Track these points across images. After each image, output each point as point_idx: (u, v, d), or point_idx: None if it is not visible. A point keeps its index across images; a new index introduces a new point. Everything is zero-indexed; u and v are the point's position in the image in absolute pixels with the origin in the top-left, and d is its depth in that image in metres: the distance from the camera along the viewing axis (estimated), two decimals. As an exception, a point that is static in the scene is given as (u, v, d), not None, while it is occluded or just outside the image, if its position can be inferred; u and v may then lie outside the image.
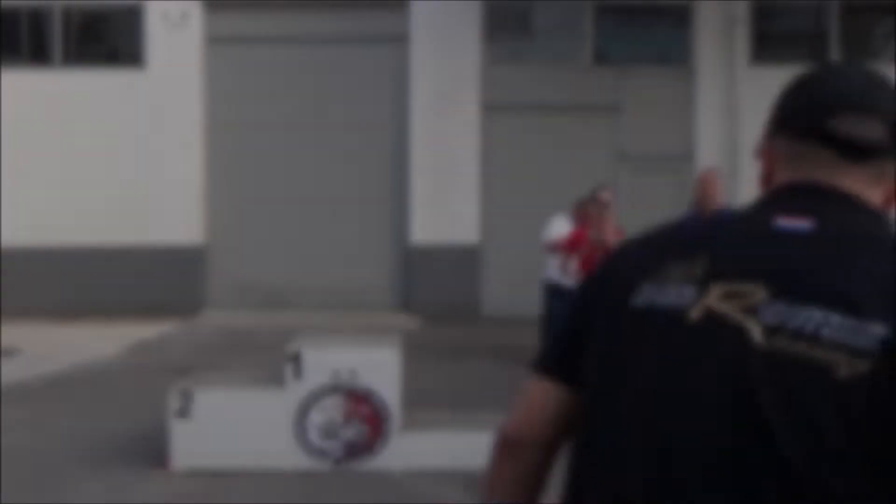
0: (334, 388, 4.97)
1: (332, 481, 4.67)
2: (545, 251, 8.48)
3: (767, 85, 10.78)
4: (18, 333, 10.21)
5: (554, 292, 8.36)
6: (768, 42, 12.32)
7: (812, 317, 1.00)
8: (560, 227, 8.38)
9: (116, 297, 11.70)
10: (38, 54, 12.44)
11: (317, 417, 4.95)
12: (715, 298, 1.06)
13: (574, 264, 6.57)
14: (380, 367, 5.03)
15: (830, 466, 0.95)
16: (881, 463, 0.94)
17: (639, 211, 11.98)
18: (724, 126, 11.84)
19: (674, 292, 1.09)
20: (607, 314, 1.16)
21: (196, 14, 11.85)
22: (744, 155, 11.75)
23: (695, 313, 1.06)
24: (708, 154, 11.77)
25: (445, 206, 11.85)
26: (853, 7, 12.01)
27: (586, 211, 8.36)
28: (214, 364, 8.18)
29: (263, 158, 11.83)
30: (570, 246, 6.55)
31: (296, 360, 4.96)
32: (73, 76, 12.03)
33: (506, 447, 1.30)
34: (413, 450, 5.02)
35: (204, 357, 8.87)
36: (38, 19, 12.27)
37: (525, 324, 10.61)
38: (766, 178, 1.24)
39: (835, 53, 11.91)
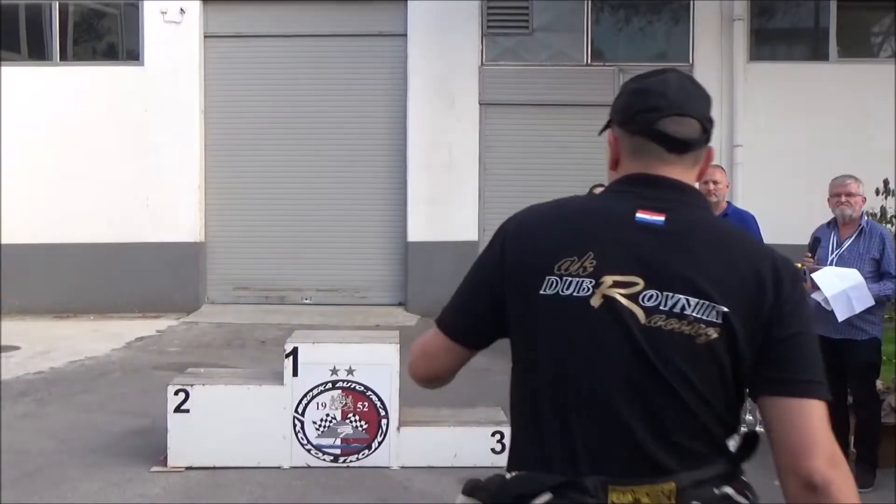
0: (332, 385, 4.98)
1: (329, 478, 4.67)
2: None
3: (766, 82, 10.90)
4: (16, 330, 10.22)
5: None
6: (767, 39, 12.33)
7: (678, 301, 1.50)
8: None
9: (114, 293, 11.69)
10: (35, 51, 12.42)
11: (314, 414, 4.96)
12: (607, 288, 1.52)
13: None
14: (377, 363, 5.03)
15: (694, 393, 1.51)
16: (721, 389, 1.54)
17: (637, 208, 12.03)
18: (722, 123, 11.84)
19: (575, 284, 1.54)
20: (524, 300, 1.60)
21: (194, 10, 11.82)
22: (742, 151, 11.76)
23: (595, 301, 1.53)
24: (706, 151, 11.76)
25: (443, 203, 11.85)
26: (851, 4, 12.01)
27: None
28: (212, 361, 8.19)
29: (262, 155, 11.82)
30: None
31: (294, 356, 4.96)
32: (70, 73, 12.01)
33: (420, 383, 1.90)
34: (411, 446, 5.04)
35: (202, 354, 8.87)
36: (35, 16, 12.24)
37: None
38: (614, 163, 1.74)
39: (833, 50, 11.92)
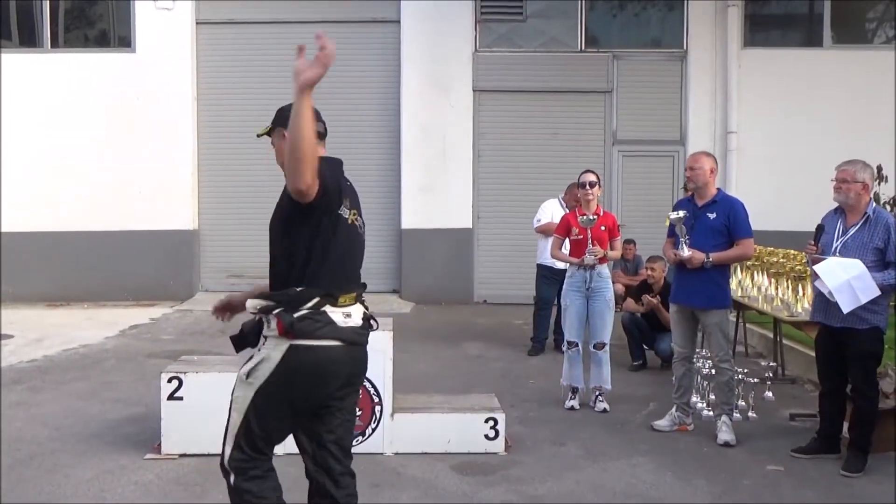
0: (326, 372, 4.98)
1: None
2: (537, 235, 8.49)
3: (760, 68, 10.89)
4: (10, 318, 10.19)
5: (545, 275, 8.38)
6: (761, 25, 12.30)
7: (361, 216, 3.20)
8: (550, 211, 8.39)
9: (108, 281, 11.66)
10: (27, 38, 12.32)
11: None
12: (353, 215, 3.10)
13: (565, 247, 6.57)
14: (371, 350, 5.01)
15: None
16: None
17: (631, 194, 12.03)
18: (716, 109, 11.83)
19: (347, 210, 3.04)
20: (336, 211, 2.99)
21: (186, -3, 11.76)
22: (736, 138, 11.76)
23: (351, 219, 3.07)
24: (700, 137, 11.77)
25: (438, 191, 11.84)
26: (846, -10, 12.00)
27: (576, 194, 8.38)
28: (206, 348, 8.18)
29: (255, 142, 11.71)
30: (560, 230, 6.56)
31: (287, 344, 4.96)
32: (62, 60, 11.93)
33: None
34: (404, 433, 5.05)
35: (195, 342, 8.87)
36: (26, 3, 12.13)
37: (516, 307, 10.65)
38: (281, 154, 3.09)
39: (827, 36, 11.90)
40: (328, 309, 2.94)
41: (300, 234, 2.91)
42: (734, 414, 5.77)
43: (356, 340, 3.08)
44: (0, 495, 4.22)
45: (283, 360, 2.90)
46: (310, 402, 3.03)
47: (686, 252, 5.37)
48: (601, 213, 6.33)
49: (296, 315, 2.88)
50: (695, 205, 5.50)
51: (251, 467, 3.08)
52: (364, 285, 3.18)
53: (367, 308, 3.21)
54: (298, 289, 2.91)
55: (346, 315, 3.01)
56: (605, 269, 6.28)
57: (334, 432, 3.13)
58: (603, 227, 6.28)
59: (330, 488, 3.11)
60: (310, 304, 2.90)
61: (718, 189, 5.53)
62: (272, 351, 2.92)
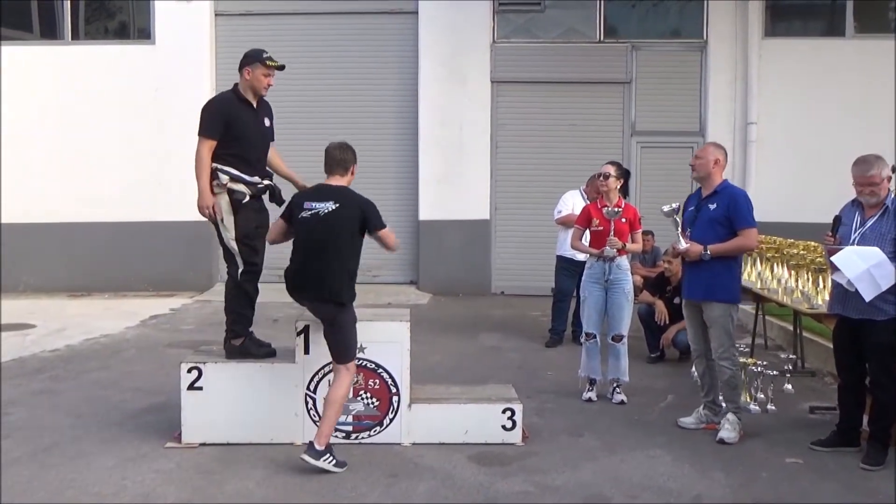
0: (344, 363, 5.00)
1: (341, 454, 4.70)
2: (557, 226, 8.46)
3: (781, 58, 10.77)
4: (32, 309, 10.32)
5: (564, 266, 8.36)
6: (782, 15, 12.17)
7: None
8: (572, 203, 8.36)
9: (128, 272, 11.77)
10: (47, 30, 12.42)
11: (326, 391, 4.99)
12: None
13: (587, 238, 6.53)
14: (389, 341, 5.05)
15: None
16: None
17: (649, 185, 11.96)
18: (736, 100, 11.73)
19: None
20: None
21: (205, -11, 11.80)
22: (756, 129, 11.65)
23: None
24: (719, 129, 11.68)
25: (455, 182, 11.83)
26: (868, -21, 11.84)
27: (596, 186, 8.33)
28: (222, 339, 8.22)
29: (273, 134, 11.80)
30: (581, 221, 6.53)
31: (305, 334, 4.99)
32: (82, 52, 12.01)
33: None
34: (422, 423, 5.06)
35: (215, 332, 8.90)
36: (47, -5, 12.24)
37: (534, 298, 10.64)
38: None
39: (849, 26, 11.76)
40: None
41: None
42: (751, 406, 5.73)
43: None
44: (0, 495, 4.27)
45: None
46: None
47: (683, 244, 5.32)
48: (622, 206, 6.30)
49: None
50: (699, 196, 5.47)
51: None
52: None
53: None
54: None
55: None
56: (624, 261, 6.25)
57: None
58: (624, 220, 6.25)
59: None
60: None
61: (724, 180, 5.44)
62: None
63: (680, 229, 5.39)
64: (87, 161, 11.85)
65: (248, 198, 5.14)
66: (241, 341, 5.22)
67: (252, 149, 5.22)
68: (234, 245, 5.20)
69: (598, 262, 6.24)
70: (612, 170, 6.33)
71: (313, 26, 11.98)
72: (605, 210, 6.21)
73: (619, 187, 6.34)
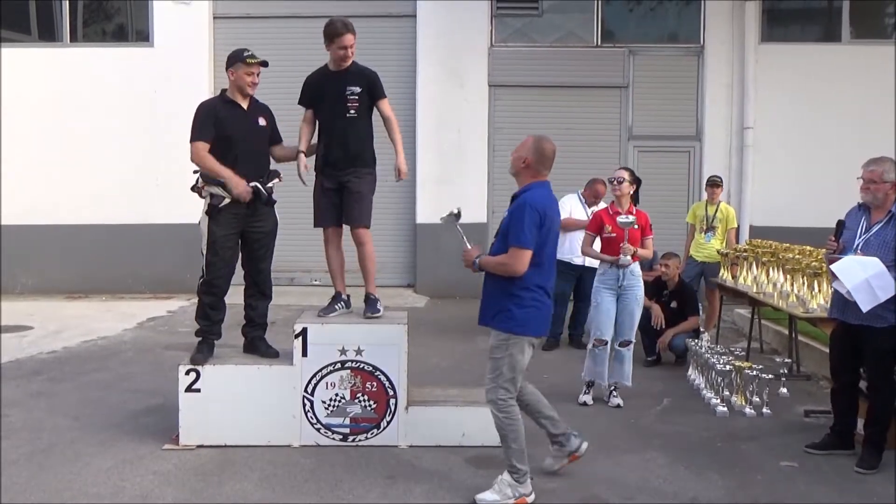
0: (341, 365, 5.02)
1: (339, 456, 4.72)
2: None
3: (777, 63, 10.81)
4: (29, 310, 10.32)
5: (561, 270, 8.37)
6: (779, 20, 12.22)
7: None
8: (569, 207, 8.37)
9: (126, 274, 11.77)
10: (45, 32, 12.43)
11: (324, 393, 5.01)
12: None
13: (596, 244, 6.49)
14: (386, 344, 5.07)
15: None
16: None
17: (646, 190, 11.92)
18: (732, 105, 11.77)
19: None
20: None
21: (203, -9, 11.82)
22: (752, 133, 11.69)
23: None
24: (716, 133, 11.72)
25: (452, 185, 11.85)
26: (865, -15, 11.90)
27: (596, 190, 8.35)
28: (222, 341, 8.23)
29: (271, 137, 11.82)
30: (592, 227, 6.48)
31: (303, 337, 5.00)
32: (80, 54, 12.02)
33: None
34: (419, 425, 5.08)
35: (212, 334, 8.92)
36: (45, -3, 12.25)
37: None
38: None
39: (846, 31, 11.81)
40: None
41: None
42: (746, 410, 5.72)
43: None
44: (0, 494, 4.29)
45: None
46: None
47: (468, 246, 4.94)
48: (633, 212, 6.31)
49: None
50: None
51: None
52: None
53: None
54: None
55: None
56: (636, 267, 6.23)
57: None
58: (636, 226, 6.25)
59: None
60: None
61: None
62: None
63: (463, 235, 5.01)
64: (85, 163, 11.85)
65: (226, 201, 5.10)
66: (198, 343, 5.22)
67: (243, 149, 5.21)
68: (203, 252, 5.19)
69: (612, 269, 6.20)
70: (625, 175, 6.35)
71: (312, 29, 11.91)
72: (619, 220, 6.18)
73: (631, 193, 6.36)
